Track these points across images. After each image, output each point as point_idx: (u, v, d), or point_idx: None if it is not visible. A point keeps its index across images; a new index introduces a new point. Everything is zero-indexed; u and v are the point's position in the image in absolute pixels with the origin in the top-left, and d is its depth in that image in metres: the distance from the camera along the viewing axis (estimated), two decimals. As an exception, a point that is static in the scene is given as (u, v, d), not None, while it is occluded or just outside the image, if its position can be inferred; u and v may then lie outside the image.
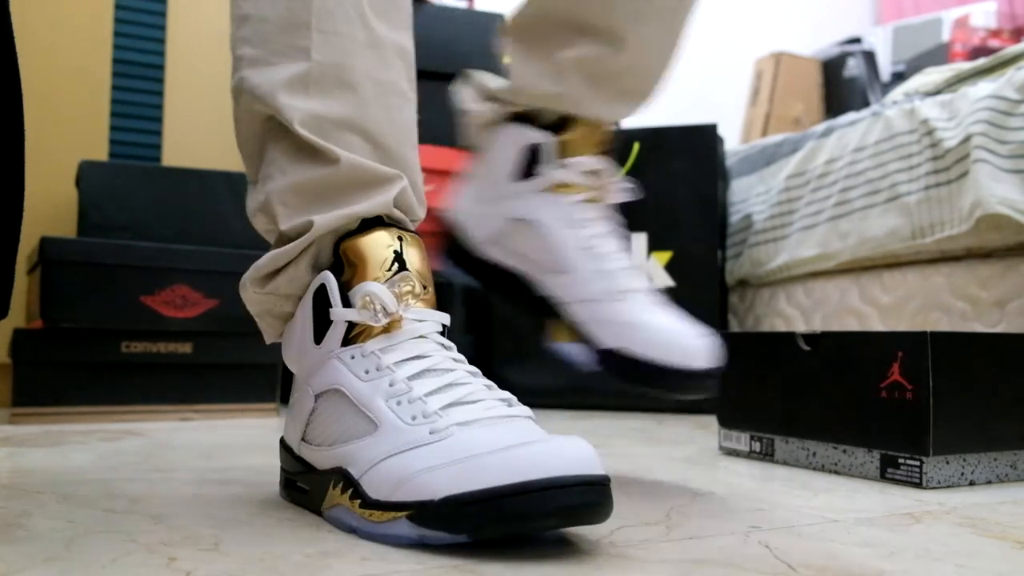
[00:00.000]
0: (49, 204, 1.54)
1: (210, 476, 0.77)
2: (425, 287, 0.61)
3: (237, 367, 1.42)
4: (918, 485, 0.74)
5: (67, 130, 1.59)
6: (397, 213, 0.64)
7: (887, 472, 0.78)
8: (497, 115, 0.80)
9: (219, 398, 1.40)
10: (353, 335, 0.59)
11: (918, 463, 0.74)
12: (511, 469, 0.47)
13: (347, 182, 0.62)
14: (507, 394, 0.57)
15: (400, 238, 0.61)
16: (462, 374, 0.57)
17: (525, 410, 0.55)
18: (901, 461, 0.76)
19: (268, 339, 0.67)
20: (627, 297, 0.73)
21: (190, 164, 1.62)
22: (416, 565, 0.46)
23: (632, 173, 1.66)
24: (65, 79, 1.60)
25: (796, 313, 1.80)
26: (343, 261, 0.61)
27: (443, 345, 0.60)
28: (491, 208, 0.79)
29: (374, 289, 0.58)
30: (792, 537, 0.54)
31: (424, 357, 0.57)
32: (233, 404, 1.41)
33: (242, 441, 1.07)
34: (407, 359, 0.57)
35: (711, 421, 1.35)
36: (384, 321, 0.58)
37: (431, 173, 1.93)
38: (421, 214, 0.68)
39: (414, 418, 0.53)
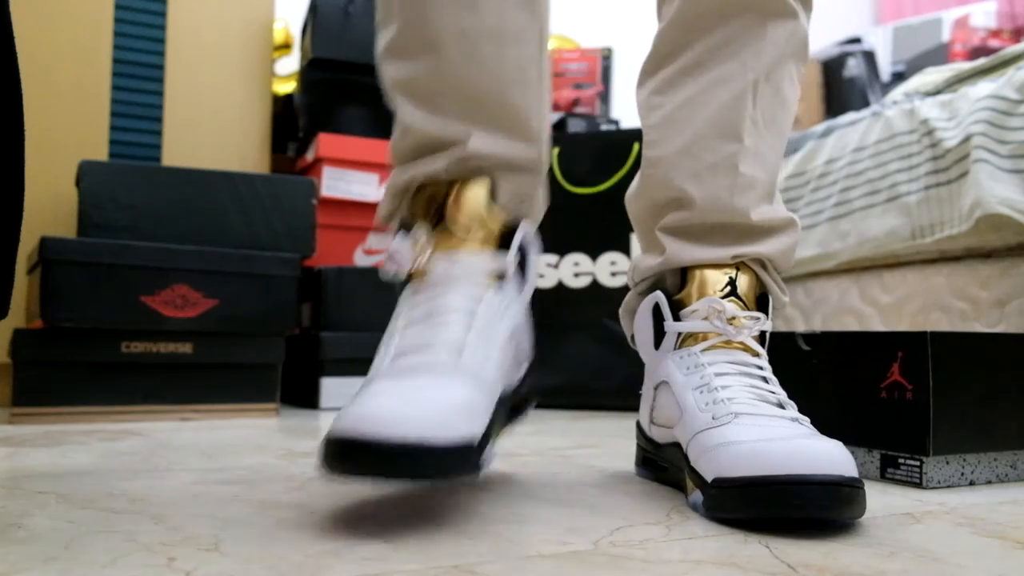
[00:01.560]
0: (49, 204, 1.54)
1: (210, 476, 0.77)
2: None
3: (237, 367, 1.42)
4: (918, 485, 0.74)
5: (67, 130, 1.59)
6: (456, 171, 0.64)
7: (887, 472, 0.78)
8: (636, 301, 0.79)
9: (219, 398, 1.40)
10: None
11: (918, 463, 0.74)
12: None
13: (413, 148, 0.66)
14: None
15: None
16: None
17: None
18: (901, 461, 0.76)
19: None
20: (732, 420, 0.62)
21: (190, 164, 1.62)
22: (416, 565, 0.46)
23: (632, 172, 1.66)
24: (65, 79, 1.59)
25: (796, 313, 1.80)
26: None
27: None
28: (646, 386, 0.77)
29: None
30: (792, 537, 0.54)
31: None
32: (233, 404, 1.41)
33: (242, 441, 1.07)
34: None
35: (711, 421, 1.35)
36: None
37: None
38: (523, 152, 0.68)
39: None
